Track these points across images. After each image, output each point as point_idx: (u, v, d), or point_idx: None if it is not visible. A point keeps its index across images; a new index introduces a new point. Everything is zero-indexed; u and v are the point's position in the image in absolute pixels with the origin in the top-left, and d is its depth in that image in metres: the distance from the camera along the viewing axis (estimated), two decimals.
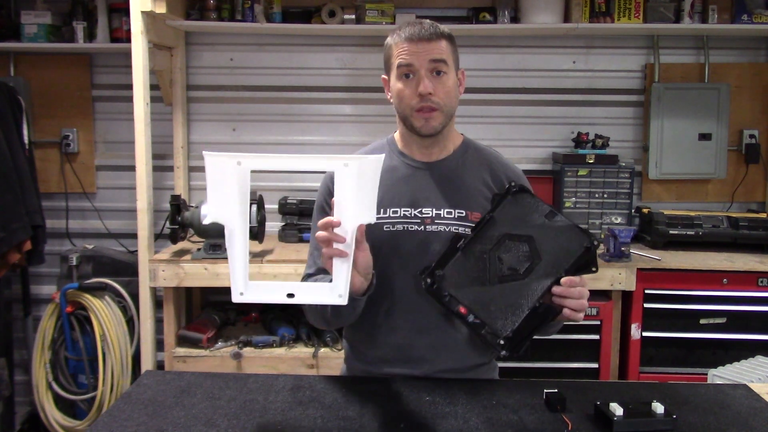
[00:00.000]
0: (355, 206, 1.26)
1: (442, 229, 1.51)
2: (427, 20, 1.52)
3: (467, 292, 1.33)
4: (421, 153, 1.58)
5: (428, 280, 1.37)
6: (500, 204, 1.41)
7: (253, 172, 1.29)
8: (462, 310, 1.30)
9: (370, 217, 1.27)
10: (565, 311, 1.31)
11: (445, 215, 1.52)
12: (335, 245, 1.28)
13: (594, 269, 1.33)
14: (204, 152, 1.20)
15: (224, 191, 1.22)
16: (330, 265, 1.31)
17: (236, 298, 1.28)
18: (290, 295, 1.29)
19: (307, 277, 1.59)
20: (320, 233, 1.29)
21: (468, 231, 1.46)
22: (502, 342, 1.25)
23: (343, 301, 1.29)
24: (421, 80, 1.46)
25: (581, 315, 1.33)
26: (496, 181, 1.57)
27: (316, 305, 1.49)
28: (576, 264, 1.30)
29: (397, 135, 1.64)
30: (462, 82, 1.57)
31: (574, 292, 1.30)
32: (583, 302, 1.32)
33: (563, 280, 1.30)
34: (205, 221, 1.25)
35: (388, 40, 1.53)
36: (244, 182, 1.22)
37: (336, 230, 1.27)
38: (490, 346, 1.29)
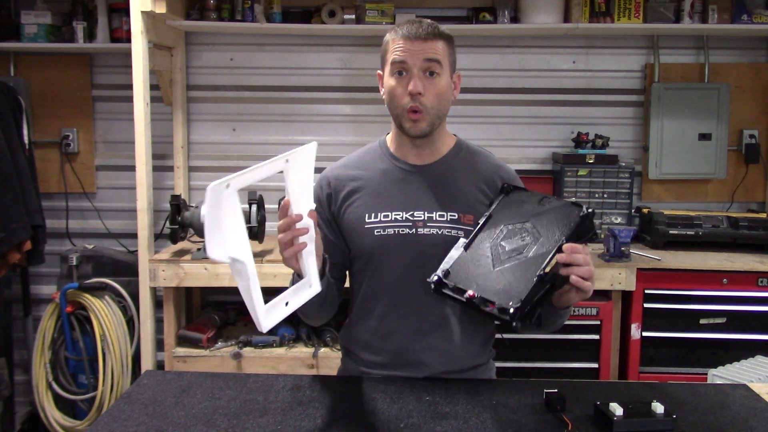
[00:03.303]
0: (308, 195, 1.33)
1: (434, 233, 1.50)
2: (428, 20, 1.51)
3: (474, 281, 1.34)
4: (413, 155, 1.58)
5: (436, 279, 1.37)
6: (496, 204, 1.46)
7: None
8: (470, 294, 1.31)
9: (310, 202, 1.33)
10: (573, 278, 1.30)
11: (438, 218, 1.51)
12: (300, 239, 1.30)
13: (594, 236, 1.36)
14: (209, 187, 1.09)
15: (224, 221, 1.13)
16: (296, 262, 1.34)
17: (265, 329, 1.26)
18: (287, 304, 1.31)
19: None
20: (283, 236, 1.30)
21: (461, 234, 1.48)
22: (512, 311, 1.24)
23: (317, 289, 1.35)
24: (412, 79, 1.45)
25: (589, 284, 1.32)
26: (489, 182, 1.57)
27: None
28: (575, 232, 1.32)
29: (389, 137, 1.63)
30: (457, 85, 1.55)
31: (579, 258, 1.30)
32: (590, 269, 1.31)
33: (565, 246, 1.30)
34: (216, 258, 1.12)
35: (387, 36, 1.52)
36: (237, 206, 1.17)
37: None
38: (502, 321, 1.28)
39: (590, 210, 1.33)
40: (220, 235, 1.10)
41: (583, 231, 1.33)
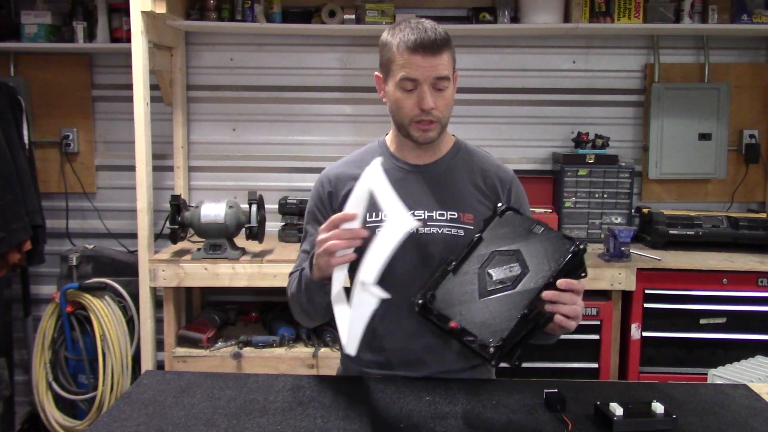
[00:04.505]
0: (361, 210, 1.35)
1: (434, 232, 1.51)
2: (428, 22, 1.48)
3: (458, 309, 1.32)
4: (413, 156, 1.58)
5: (420, 302, 1.35)
6: (488, 225, 1.43)
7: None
8: (453, 325, 1.29)
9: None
10: (557, 317, 1.26)
11: (438, 217, 1.52)
12: (349, 252, 1.31)
13: (583, 274, 1.30)
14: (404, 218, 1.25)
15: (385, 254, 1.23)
16: (332, 269, 1.33)
17: (352, 352, 1.29)
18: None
19: (290, 275, 1.60)
20: (339, 242, 1.30)
21: (461, 233, 1.48)
22: (492, 350, 1.22)
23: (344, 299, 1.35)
24: (424, 96, 1.44)
25: (573, 323, 1.29)
26: (488, 182, 1.57)
27: (296, 302, 1.53)
28: (564, 269, 1.27)
29: (389, 137, 1.63)
30: (455, 83, 1.55)
31: (565, 297, 1.26)
32: (576, 308, 1.28)
33: (559, 282, 1.26)
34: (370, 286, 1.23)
35: (389, 39, 1.49)
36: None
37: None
38: (481, 357, 1.26)
39: (582, 246, 1.28)
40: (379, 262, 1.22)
41: (572, 267, 1.28)
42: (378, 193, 1.30)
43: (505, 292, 1.30)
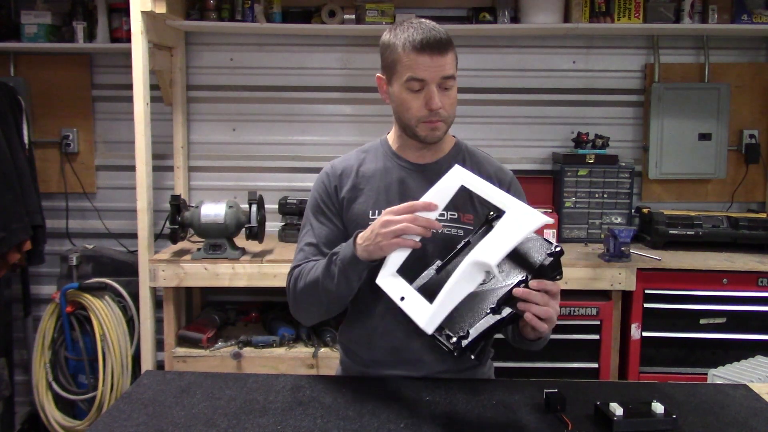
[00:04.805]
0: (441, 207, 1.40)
1: (434, 231, 1.51)
2: (429, 21, 1.49)
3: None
4: (415, 155, 1.59)
5: (401, 299, 1.35)
6: (477, 231, 1.45)
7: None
8: None
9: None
10: (527, 315, 1.25)
11: (438, 217, 1.52)
12: (409, 237, 1.33)
13: (558, 276, 1.30)
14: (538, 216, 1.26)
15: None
16: (389, 251, 1.35)
17: (430, 330, 1.27)
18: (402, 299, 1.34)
19: (294, 269, 1.60)
20: (410, 225, 1.32)
21: (461, 232, 1.49)
22: (454, 340, 1.23)
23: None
24: (433, 96, 1.44)
25: (545, 326, 1.27)
26: (488, 182, 1.57)
27: (313, 293, 1.51)
28: (540, 269, 1.27)
29: (390, 136, 1.64)
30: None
31: (536, 296, 1.25)
32: (548, 310, 1.26)
33: (531, 283, 1.25)
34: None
35: (392, 39, 1.48)
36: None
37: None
38: (445, 348, 1.26)
39: (558, 249, 1.28)
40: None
41: (547, 269, 1.28)
42: (482, 190, 1.35)
43: (478, 289, 1.30)
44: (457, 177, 1.40)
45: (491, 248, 1.25)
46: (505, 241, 1.25)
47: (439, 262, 1.42)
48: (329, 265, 1.45)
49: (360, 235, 1.40)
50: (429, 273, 1.42)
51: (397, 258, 1.36)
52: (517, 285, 1.25)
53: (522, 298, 1.25)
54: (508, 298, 1.26)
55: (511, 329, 1.47)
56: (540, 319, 1.26)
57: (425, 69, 1.43)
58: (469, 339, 1.23)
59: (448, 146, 1.61)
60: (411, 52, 1.44)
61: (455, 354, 1.24)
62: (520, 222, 1.27)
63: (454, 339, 1.24)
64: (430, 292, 1.33)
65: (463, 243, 1.44)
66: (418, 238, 1.35)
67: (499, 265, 1.26)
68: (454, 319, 1.28)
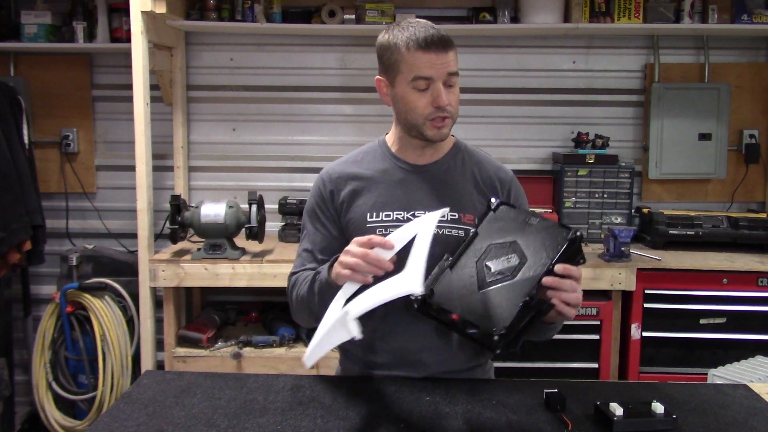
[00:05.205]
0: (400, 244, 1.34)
1: (436, 232, 1.49)
2: (425, 21, 1.49)
3: (458, 303, 1.32)
4: (414, 156, 1.58)
5: (418, 298, 1.34)
6: (483, 220, 1.43)
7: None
8: (454, 317, 1.29)
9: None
10: (557, 304, 1.27)
11: (438, 218, 1.52)
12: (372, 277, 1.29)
13: (581, 260, 1.32)
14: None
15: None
16: (346, 280, 1.33)
17: (307, 365, 1.26)
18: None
19: (292, 276, 1.60)
20: (369, 264, 1.29)
21: (461, 233, 1.48)
22: (496, 338, 1.23)
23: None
24: (440, 93, 1.44)
25: (573, 311, 1.30)
26: (488, 182, 1.57)
27: (303, 306, 1.51)
28: (563, 256, 1.29)
29: (389, 137, 1.63)
30: None
31: (566, 284, 1.27)
32: (577, 296, 1.29)
33: (557, 267, 1.27)
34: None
35: (393, 40, 1.47)
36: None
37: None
38: (485, 347, 1.27)
39: (578, 233, 1.30)
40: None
41: (570, 255, 1.29)
42: (418, 243, 1.29)
43: (505, 283, 1.30)
44: (422, 223, 1.35)
45: (361, 300, 1.24)
46: (372, 299, 1.24)
47: (449, 258, 1.40)
48: (312, 284, 1.47)
49: (338, 259, 1.39)
50: (442, 268, 1.39)
51: (348, 288, 1.33)
52: (544, 275, 1.26)
53: (552, 287, 1.26)
54: (538, 288, 1.27)
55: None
56: (568, 304, 1.28)
57: (431, 67, 1.43)
58: (511, 336, 1.24)
59: (447, 146, 1.61)
60: (415, 50, 1.43)
61: (497, 351, 1.24)
62: (396, 284, 1.25)
63: (495, 337, 1.23)
64: (448, 293, 1.34)
65: (471, 233, 1.42)
66: (370, 275, 1.31)
67: (523, 255, 1.29)
68: (485, 317, 1.27)
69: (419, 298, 1.34)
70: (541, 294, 1.28)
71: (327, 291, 1.40)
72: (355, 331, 1.19)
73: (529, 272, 1.29)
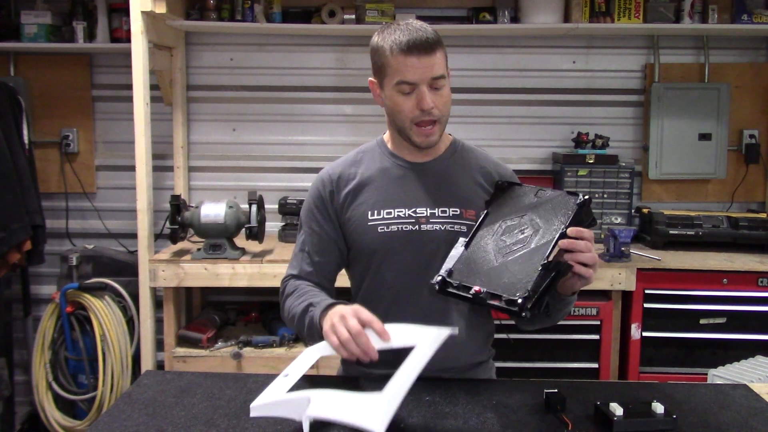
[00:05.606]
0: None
1: (437, 228, 1.51)
2: (417, 22, 1.48)
3: (478, 277, 1.34)
4: (412, 154, 1.58)
5: (439, 279, 1.36)
6: (493, 201, 1.47)
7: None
8: (477, 289, 1.31)
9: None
10: (574, 265, 1.30)
11: (440, 214, 1.52)
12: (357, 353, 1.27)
13: (593, 222, 1.37)
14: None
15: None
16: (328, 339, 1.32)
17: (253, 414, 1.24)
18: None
19: (291, 278, 1.61)
20: (358, 346, 1.26)
21: (463, 229, 1.49)
22: (520, 301, 1.24)
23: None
24: (424, 96, 1.43)
25: (591, 271, 1.32)
26: (488, 178, 1.58)
27: (293, 321, 1.51)
28: (574, 220, 1.33)
29: (386, 136, 1.63)
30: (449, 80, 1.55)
31: (581, 245, 1.30)
32: (592, 256, 1.32)
33: (569, 230, 1.30)
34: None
35: (380, 43, 1.48)
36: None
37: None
38: (511, 314, 1.28)
39: (587, 197, 1.35)
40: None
41: (581, 218, 1.35)
42: (410, 361, 1.22)
43: (522, 252, 1.34)
44: (426, 334, 1.27)
45: (322, 404, 1.20)
46: (339, 415, 1.19)
47: (463, 240, 1.42)
48: (304, 313, 1.45)
49: (332, 311, 1.35)
50: (458, 251, 1.40)
51: (328, 348, 1.33)
52: (559, 239, 1.30)
53: (568, 249, 1.29)
54: (554, 252, 1.30)
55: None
56: (586, 265, 1.31)
57: (413, 71, 1.43)
58: (534, 298, 1.25)
59: (445, 144, 1.61)
60: (398, 54, 1.43)
61: (524, 315, 1.24)
62: (363, 411, 1.16)
63: (519, 300, 1.24)
64: (467, 270, 1.35)
65: (482, 215, 1.45)
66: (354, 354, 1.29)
67: (536, 225, 1.34)
68: (508, 285, 1.29)
69: (439, 278, 1.37)
70: (558, 257, 1.31)
71: (315, 332, 1.40)
72: (305, 424, 1.18)
73: (543, 239, 1.33)
